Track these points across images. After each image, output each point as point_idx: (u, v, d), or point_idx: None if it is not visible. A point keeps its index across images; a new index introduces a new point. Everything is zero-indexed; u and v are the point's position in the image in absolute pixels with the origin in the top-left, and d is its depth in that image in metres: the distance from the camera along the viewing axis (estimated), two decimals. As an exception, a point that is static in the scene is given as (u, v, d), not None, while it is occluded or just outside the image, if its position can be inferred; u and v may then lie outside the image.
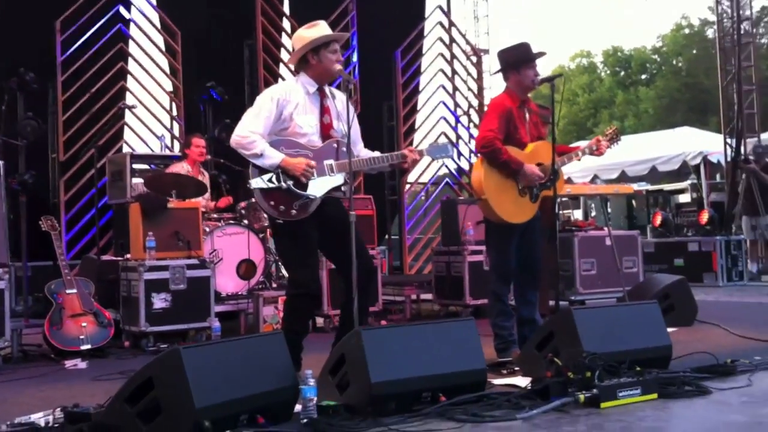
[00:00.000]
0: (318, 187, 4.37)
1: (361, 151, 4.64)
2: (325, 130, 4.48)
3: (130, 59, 9.00)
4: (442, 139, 10.71)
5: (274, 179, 4.31)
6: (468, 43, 12.37)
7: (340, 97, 4.60)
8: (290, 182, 4.31)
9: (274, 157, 4.30)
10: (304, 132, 4.41)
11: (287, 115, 4.39)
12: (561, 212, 9.37)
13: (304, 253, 4.41)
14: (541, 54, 4.94)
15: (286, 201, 4.31)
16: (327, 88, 4.57)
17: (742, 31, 12.89)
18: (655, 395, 3.78)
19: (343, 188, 4.47)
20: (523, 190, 4.87)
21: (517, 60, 4.93)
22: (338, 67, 4.43)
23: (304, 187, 4.33)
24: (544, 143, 4.97)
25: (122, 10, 8.85)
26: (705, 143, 15.50)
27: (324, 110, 4.49)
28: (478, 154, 4.94)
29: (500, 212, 4.83)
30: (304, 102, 4.44)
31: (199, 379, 3.07)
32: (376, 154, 4.61)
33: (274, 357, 3.50)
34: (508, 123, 4.85)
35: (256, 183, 4.31)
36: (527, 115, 5.00)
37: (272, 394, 3.37)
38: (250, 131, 4.31)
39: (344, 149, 4.39)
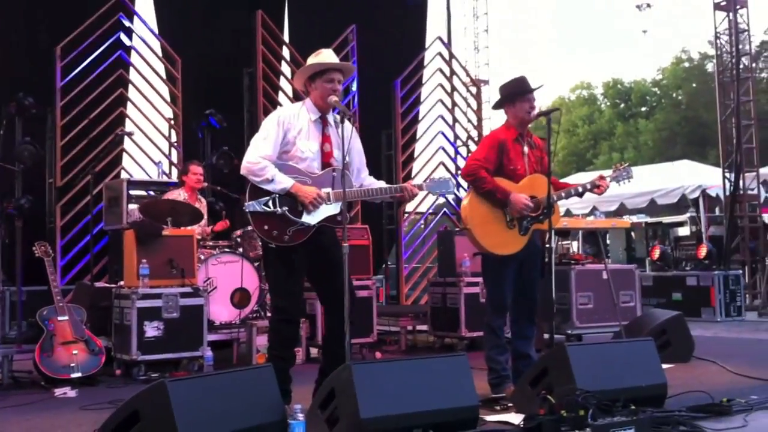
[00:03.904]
0: (313, 215, 4.36)
1: (365, 180, 4.64)
2: (325, 158, 4.48)
3: (129, 86, 9.02)
4: (440, 171, 10.75)
5: (270, 204, 4.30)
6: (468, 74, 12.41)
7: (346, 126, 4.59)
8: (285, 208, 4.30)
9: (284, 182, 4.30)
10: (305, 157, 4.41)
11: (290, 139, 4.40)
12: (561, 244, 9.34)
13: (290, 280, 4.40)
14: (536, 87, 4.93)
15: (280, 226, 4.30)
16: (330, 117, 4.57)
17: (741, 66, 12.95)
18: (649, 435, 3.72)
19: (338, 217, 4.45)
20: (511, 222, 4.83)
21: (513, 93, 4.93)
22: (333, 98, 4.42)
23: (299, 213, 4.33)
24: (540, 176, 4.92)
25: (123, 36, 8.88)
26: (704, 177, 15.53)
27: (324, 138, 4.50)
28: (466, 184, 4.92)
29: (484, 243, 4.81)
30: (308, 128, 4.45)
31: (186, 413, 3.02)
32: (380, 184, 4.60)
33: (263, 391, 3.46)
34: (499, 155, 4.84)
35: (252, 207, 4.30)
36: (526, 149, 4.97)
37: (260, 428, 3.32)
38: (260, 157, 4.31)
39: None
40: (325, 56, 4.52)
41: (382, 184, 4.62)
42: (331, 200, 4.39)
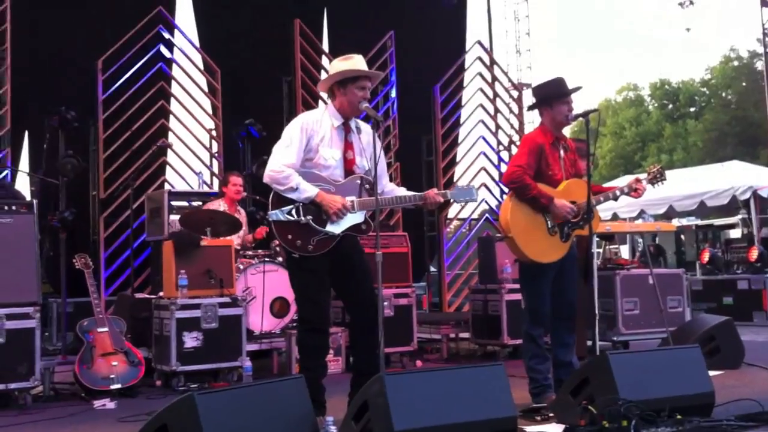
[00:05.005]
0: (338, 225, 4.31)
1: (386, 187, 4.57)
2: (348, 166, 4.43)
3: (171, 98, 9.10)
4: (482, 176, 10.64)
5: (293, 212, 4.25)
6: (509, 79, 12.27)
7: (366, 131, 4.54)
8: (309, 217, 4.26)
9: (309, 191, 4.25)
10: (328, 165, 4.37)
11: (314, 146, 4.36)
12: (608, 248, 9.18)
13: (315, 289, 4.35)
14: (575, 89, 4.82)
15: (304, 236, 4.26)
16: (353, 123, 4.52)
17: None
18: (695, 446, 3.60)
19: (363, 227, 4.40)
20: (552, 228, 4.73)
21: (550, 95, 4.81)
22: (364, 104, 4.37)
23: (324, 223, 4.28)
24: (578, 181, 4.83)
25: (163, 49, 8.97)
26: (755, 177, 15.10)
27: (347, 145, 4.44)
28: (508, 191, 4.83)
29: (527, 251, 4.70)
30: (330, 135, 4.41)
31: (214, 426, 2.98)
32: (401, 191, 4.55)
33: (294, 402, 3.40)
34: (539, 159, 4.74)
35: (275, 215, 4.26)
36: (562, 153, 4.87)
37: (291, 441, 3.27)
38: (284, 165, 4.27)
39: (367, 186, 4.34)
40: (357, 62, 4.45)
41: (403, 191, 4.56)
42: (355, 209, 4.33)
